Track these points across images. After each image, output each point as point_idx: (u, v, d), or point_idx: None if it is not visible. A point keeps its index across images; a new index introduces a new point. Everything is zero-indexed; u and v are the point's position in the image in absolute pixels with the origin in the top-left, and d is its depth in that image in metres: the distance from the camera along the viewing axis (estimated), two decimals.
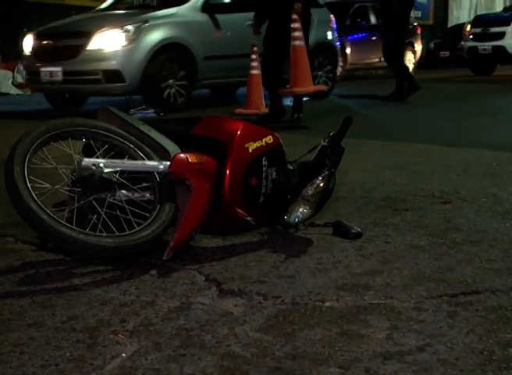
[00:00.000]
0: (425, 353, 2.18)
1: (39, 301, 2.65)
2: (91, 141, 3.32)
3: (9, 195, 2.91)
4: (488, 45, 18.23)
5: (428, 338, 2.28)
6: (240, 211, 3.26)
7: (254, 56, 9.91)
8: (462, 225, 3.66)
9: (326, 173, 3.43)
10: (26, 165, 2.97)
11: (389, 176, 4.98)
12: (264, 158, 3.34)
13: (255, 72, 9.83)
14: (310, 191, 3.44)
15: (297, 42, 8.14)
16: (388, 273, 2.93)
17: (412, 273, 2.94)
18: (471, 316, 2.46)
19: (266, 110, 9.49)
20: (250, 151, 3.30)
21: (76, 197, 3.12)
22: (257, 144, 3.33)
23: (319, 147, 3.49)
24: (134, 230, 3.04)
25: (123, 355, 2.19)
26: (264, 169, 3.34)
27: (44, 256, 3.20)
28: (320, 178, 3.42)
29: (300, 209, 3.48)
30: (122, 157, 3.27)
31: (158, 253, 3.09)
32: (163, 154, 3.27)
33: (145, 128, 3.40)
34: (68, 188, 3.17)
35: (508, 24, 18.01)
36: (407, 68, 12.26)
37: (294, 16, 8.06)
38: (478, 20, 19.43)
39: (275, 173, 3.39)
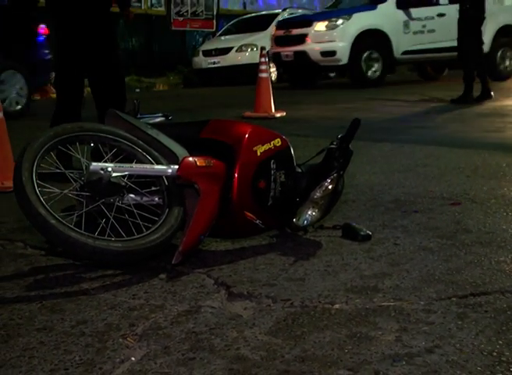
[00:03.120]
0: (434, 355, 2.17)
1: (48, 305, 2.66)
2: (99, 146, 3.33)
3: (18, 200, 2.92)
4: (289, 51, 15.48)
5: (438, 340, 2.28)
6: (248, 214, 3.26)
7: (262, 60, 9.90)
8: (471, 226, 3.65)
9: (335, 175, 3.43)
10: (34, 170, 2.97)
11: (398, 179, 4.97)
12: (272, 161, 3.34)
13: (264, 75, 9.83)
14: (318, 194, 3.44)
15: None
16: (397, 275, 2.93)
17: (421, 274, 2.93)
18: (480, 318, 2.45)
19: (275, 114, 9.49)
20: (259, 154, 3.30)
21: (85, 201, 3.13)
22: (266, 147, 3.33)
23: (327, 149, 3.49)
24: (143, 234, 3.04)
25: (132, 359, 2.19)
26: (272, 172, 3.34)
27: (53, 261, 3.21)
28: (328, 181, 3.42)
29: (309, 212, 3.48)
30: (130, 161, 3.27)
31: (167, 257, 3.09)
32: (171, 158, 3.27)
33: (153, 132, 3.41)
34: (76, 193, 3.17)
35: (310, 25, 15.28)
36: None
37: None
38: (284, 20, 17.39)
39: (283, 176, 3.38)
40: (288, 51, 15.44)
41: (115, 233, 3.04)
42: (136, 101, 3.70)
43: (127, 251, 2.94)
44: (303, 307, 2.60)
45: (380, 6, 15.12)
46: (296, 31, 15.37)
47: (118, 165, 3.13)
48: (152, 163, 3.27)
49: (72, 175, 3.21)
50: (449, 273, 2.95)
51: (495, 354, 2.17)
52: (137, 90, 16.63)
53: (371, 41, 15.01)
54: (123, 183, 3.13)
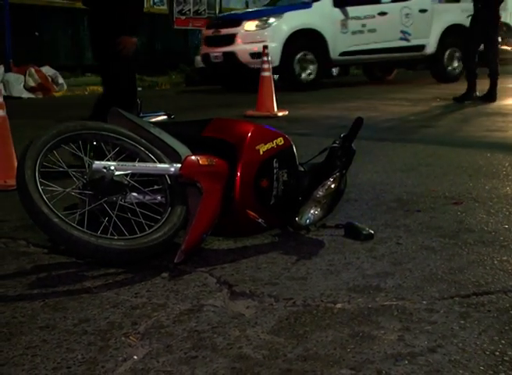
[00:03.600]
0: (437, 354, 2.17)
1: (51, 304, 2.66)
2: (102, 144, 3.33)
3: (21, 199, 2.92)
4: (219, 52, 14.07)
5: (440, 339, 2.28)
6: (251, 213, 3.26)
7: (265, 58, 9.88)
8: (474, 226, 3.65)
9: (337, 174, 3.42)
10: (37, 168, 2.97)
11: (401, 178, 4.97)
12: (275, 160, 3.34)
13: (266, 74, 9.81)
14: (321, 193, 3.44)
15: None
16: (399, 275, 2.93)
17: (424, 274, 2.93)
18: (482, 317, 2.45)
19: (277, 112, 9.48)
20: (261, 153, 3.30)
21: (88, 200, 3.13)
22: (268, 146, 3.33)
23: (330, 148, 3.49)
24: (145, 233, 3.04)
25: (135, 357, 2.19)
26: (275, 171, 3.34)
27: (56, 259, 3.20)
28: (331, 180, 3.42)
29: (312, 211, 3.48)
30: (132, 160, 3.27)
31: (170, 256, 3.09)
32: (174, 156, 3.28)
33: (156, 131, 3.41)
34: (79, 191, 3.17)
35: (239, 24, 13.93)
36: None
37: None
38: (214, 19, 16.19)
39: (286, 175, 3.38)
40: (217, 52, 14.07)
41: (117, 232, 3.04)
42: (138, 100, 3.70)
43: (130, 249, 2.94)
44: (305, 306, 2.60)
45: (315, 5, 13.99)
46: (225, 31, 14.08)
47: (120, 163, 3.14)
48: (155, 162, 3.28)
49: (74, 173, 3.21)
50: (452, 272, 2.95)
51: (497, 353, 2.17)
52: (139, 88, 16.59)
53: (305, 41, 13.87)
54: (126, 182, 3.13)
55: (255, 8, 16.95)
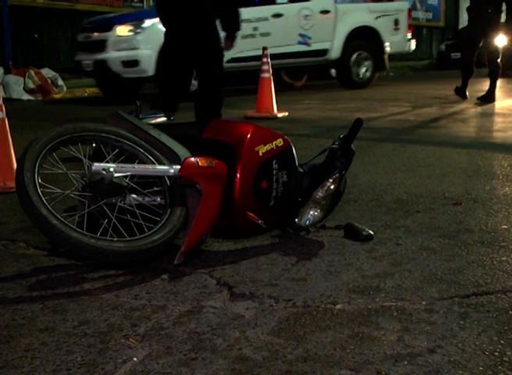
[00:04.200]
0: (436, 355, 2.17)
1: (50, 306, 2.66)
2: (101, 146, 3.33)
3: (20, 201, 2.92)
4: (90, 59, 12.30)
5: (440, 340, 2.28)
6: (250, 214, 3.27)
7: (265, 59, 9.88)
8: (473, 226, 3.65)
9: (337, 175, 3.42)
10: (36, 170, 2.97)
11: (400, 179, 4.97)
12: (274, 161, 3.34)
13: (266, 75, 9.82)
14: (320, 194, 3.44)
15: None
16: (399, 275, 2.93)
17: (423, 274, 2.93)
18: (482, 318, 2.46)
19: (277, 114, 9.48)
20: (261, 154, 3.30)
21: (87, 202, 3.13)
22: (268, 147, 3.33)
23: (329, 149, 3.49)
24: (145, 235, 3.04)
25: (135, 359, 2.19)
26: (274, 172, 3.34)
27: (56, 261, 3.21)
28: (331, 181, 3.42)
29: (311, 212, 3.48)
30: (132, 161, 3.27)
31: (169, 257, 3.09)
32: (173, 158, 3.28)
33: (155, 132, 3.41)
34: (78, 193, 3.17)
35: (111, 29, 12.13)
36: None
37: None
38: (86, 22, 13.97)
39: (285, 176, 3.38)
40: (88, 59, 12.32)
41: (117, 234, 3.04)
42: (138, 102, 3.70)
43: (129, 251, 2.94)
44: (305, 307, 2.60)
45: None
46: (96, 36, 12.34)
47: (120, 165, 3.13)
48: (154, 163, 3.28)
49: (74, 175, 3.21)
50: (451, 272, 2.95)
51: (497, 354, 2.17)
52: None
53: None
54: (125, 184, 3.13)
55: (129, 11, 15.54)
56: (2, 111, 4.93)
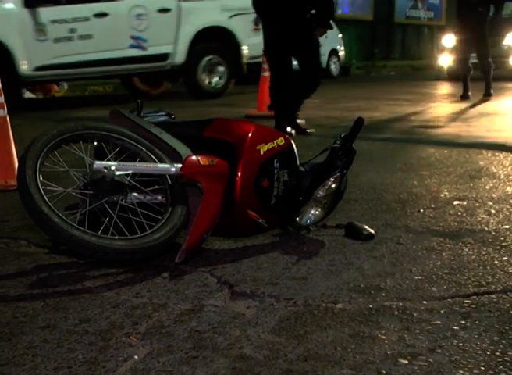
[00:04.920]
0: (437, 354, 2.17)
1: (52, 303, 2.66)
2: (103, 144, 3.33)
3: (22, 199, 2.92)
4: None
5: (441, 339, 2.28)
6: (251, 213, 3.27)
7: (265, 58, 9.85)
8: (474, 226, 3.65)
9: (338, 174, 3.42)
10: (38, 168, 2.98)
11: (401, 178, 4.98)
12: (275, 160, 3.34)
13: (267, 74, 9.80)
14: (321, 193, 3.44)
15: None
16: (400, 275, 2.93)
17: (424, 274, 2.93)
18: (483, 318, 2.45)
19: None
20: (262, 153, 3.30)
21: (88, 200, 3.13)
22: (269, 146, 3.33)
23: (331, 148, 3.49)
24: (146, 233, 3.04)
25: (135, 357, 2.19)
26: (275, 171, 3.34)
27: (57, 259, 3.20)
28: (332, 180, 3.42)
29: (312, 211, 3.48)
30: (133, 160, 3.28)
31: (170, 256, 3.09)
32: (175, 156, 3.28)
33: (156, 131, 3.41)
34: (80, 191, 3.17)
35: None
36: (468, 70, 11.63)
37: None
38: None
39: (286, 175, 3.38)
40: None
41: (118, 232, 3.04)
42: (139, 100, 3.70)
43: (130, 249, 2.94)
44: (306, 306, 2.60)
45: None
46: None
47: (121, 163, 3.14)
48: (155, 162, 3.28)
49: (75, 173, 3.22)
50: (452, 272, 2.95)
51: (498, 353, 2.17)
52: None
53: None
54: (127, 182, 3.13)
55: None
56: (4, 109, 4.93)
